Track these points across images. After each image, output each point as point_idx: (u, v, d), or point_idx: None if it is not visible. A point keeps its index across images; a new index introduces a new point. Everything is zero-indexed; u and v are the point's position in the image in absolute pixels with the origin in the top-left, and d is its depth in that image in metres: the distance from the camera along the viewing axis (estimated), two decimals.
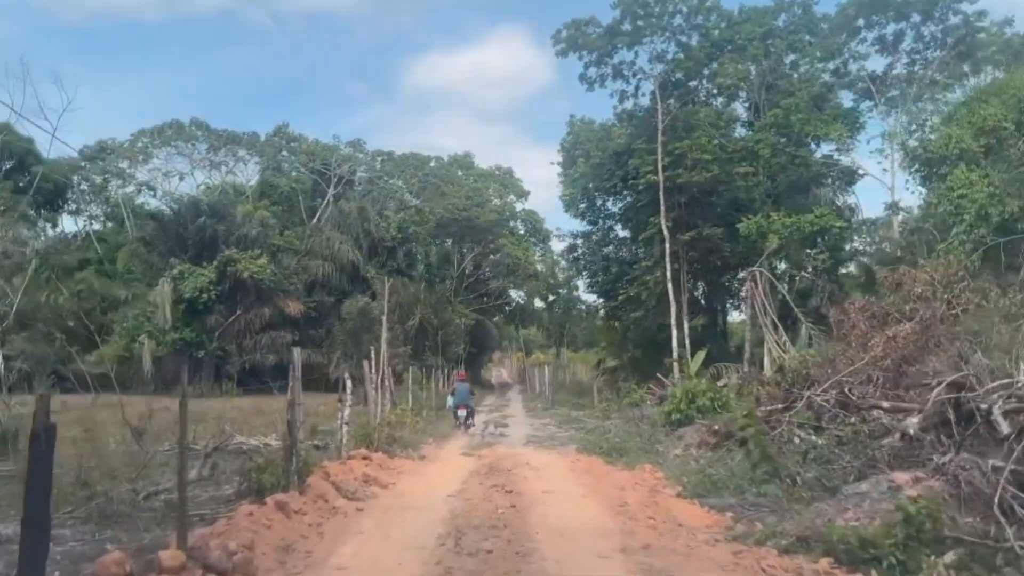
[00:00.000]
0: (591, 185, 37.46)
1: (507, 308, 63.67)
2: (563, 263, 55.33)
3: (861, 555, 6.67)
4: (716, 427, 14.57)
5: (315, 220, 50.30)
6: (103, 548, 6.65)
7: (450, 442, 19.45)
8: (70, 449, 9.15)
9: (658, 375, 25.54)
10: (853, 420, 11.20)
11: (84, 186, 52.93)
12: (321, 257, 45.37)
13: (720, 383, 21.88)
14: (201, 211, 40.94)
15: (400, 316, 36.87)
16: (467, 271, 55.44)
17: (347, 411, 12.16)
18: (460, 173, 60.04)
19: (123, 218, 50.97)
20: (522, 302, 65.33)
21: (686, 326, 31.73)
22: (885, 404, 11.29)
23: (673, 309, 30.74)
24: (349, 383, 12.25)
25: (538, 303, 68.37)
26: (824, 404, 12.65)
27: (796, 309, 21.04)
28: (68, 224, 57.18)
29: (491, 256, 57.55)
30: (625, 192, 36.60)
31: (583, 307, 63.31)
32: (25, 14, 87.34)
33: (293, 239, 47.95)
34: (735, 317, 45.59)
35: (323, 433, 15.56)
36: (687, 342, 30.71)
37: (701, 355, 22.93)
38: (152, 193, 52.76)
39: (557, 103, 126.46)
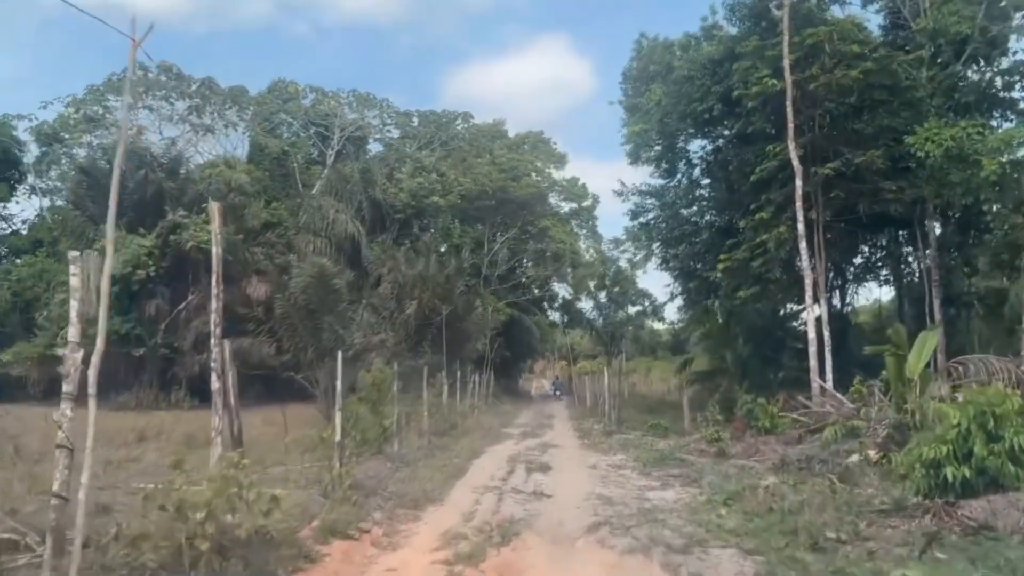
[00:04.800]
0: (669, 118, 25.94)
1: (547, 305, 52.70)
2: (625, 238, 43.62)
3: None
4: None
5: (314, 189, 40.29)
6: None
7: (430, 515, 9.00)
8: None
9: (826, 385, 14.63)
10: None
11: (38, 153, 43.48)
12: (312, 232, 35.29)
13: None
14: (144, 162, 30.74)
15: (399, 299, 26.41)
16: (501, 258, 44.57)
17: None
18: (491, 145, 49.60)
19: None
20: (568, 297, 54.27)
21: (822, 309, 20.80)
22: None
23: (808, 281, 19.71)
24: None
25: (585, 303, 56.79)
26: None
27: None
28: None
29: (530, 242, 46.93)
30: (720, 126, 25.48)
31: (648, 302, 51.94)
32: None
33: (282, 211, 38.15)
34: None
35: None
36: (826, 333, 19.72)
37: (933, 340, 11.49)
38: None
39: (597, 116, 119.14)
